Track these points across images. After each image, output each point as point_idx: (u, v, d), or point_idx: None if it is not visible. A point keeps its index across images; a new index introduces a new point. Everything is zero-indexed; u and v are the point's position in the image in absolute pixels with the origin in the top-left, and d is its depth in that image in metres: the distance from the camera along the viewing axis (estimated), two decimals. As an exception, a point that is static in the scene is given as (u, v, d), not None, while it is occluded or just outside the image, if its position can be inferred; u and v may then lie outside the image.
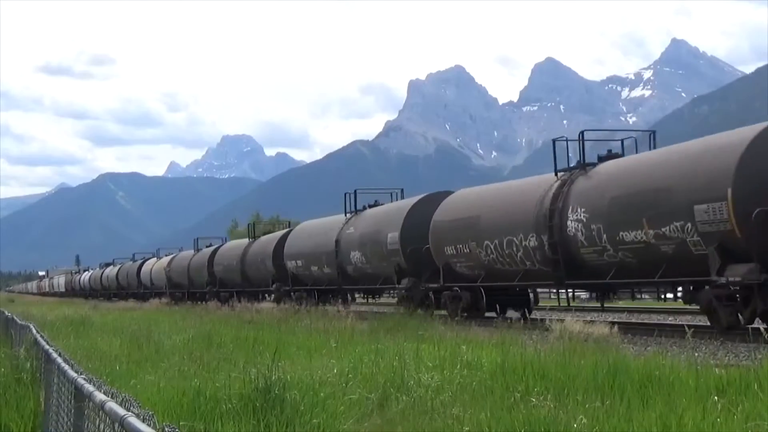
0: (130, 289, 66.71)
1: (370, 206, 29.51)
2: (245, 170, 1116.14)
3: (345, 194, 30.15)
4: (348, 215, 29.73)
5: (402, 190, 30.52)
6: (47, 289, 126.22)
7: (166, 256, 61.19)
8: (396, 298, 27.16)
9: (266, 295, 38.53)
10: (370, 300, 33.78)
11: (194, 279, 50.57)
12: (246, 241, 43.64)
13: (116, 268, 76.79)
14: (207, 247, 52.82)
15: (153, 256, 68.12)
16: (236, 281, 42.75)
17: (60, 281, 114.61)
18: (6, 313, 21.79)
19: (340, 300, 30.58)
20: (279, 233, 38.81)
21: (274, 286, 36.02)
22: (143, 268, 64.44)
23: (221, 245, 50.17)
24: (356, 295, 33.88)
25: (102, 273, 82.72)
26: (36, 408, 9.35)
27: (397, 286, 25.47)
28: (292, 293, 33.25)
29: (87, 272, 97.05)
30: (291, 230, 37.44)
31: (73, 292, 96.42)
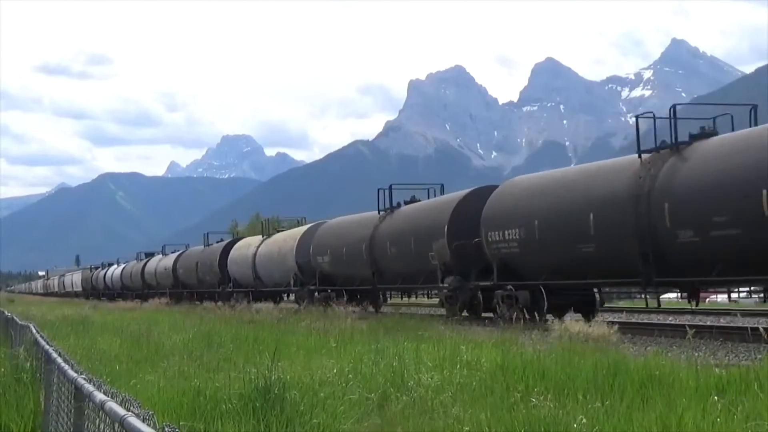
0: (204, 286, 46.19)
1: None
2: (245, 170, 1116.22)
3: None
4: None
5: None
6: (56, 289, 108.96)
7: (279, 232, 40.10)
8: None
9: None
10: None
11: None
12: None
13: (172, 258, 54.18)
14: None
15: (232, 238, 48.90)
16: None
17: (75, 279, 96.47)
18: (6, 313, 21.79)
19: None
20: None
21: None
22: (232, 255, 42.64)
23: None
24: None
25: (144, 266, 60.78)
26: (36, 408, 9.33)
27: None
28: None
29: (114, 266, 74.80)
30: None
31: (94, 291, 77.19)
